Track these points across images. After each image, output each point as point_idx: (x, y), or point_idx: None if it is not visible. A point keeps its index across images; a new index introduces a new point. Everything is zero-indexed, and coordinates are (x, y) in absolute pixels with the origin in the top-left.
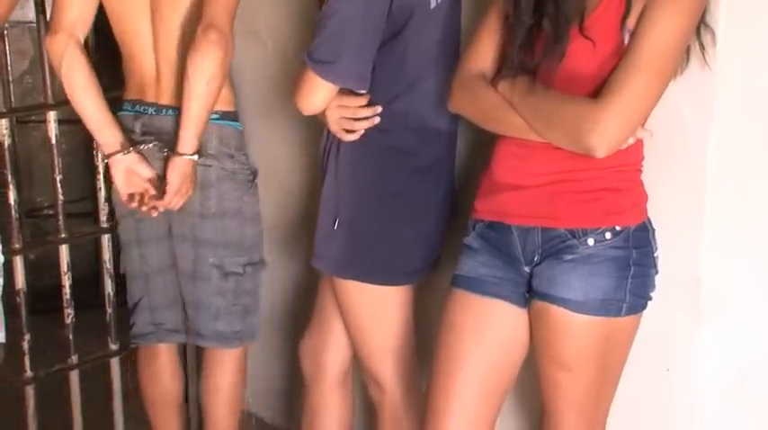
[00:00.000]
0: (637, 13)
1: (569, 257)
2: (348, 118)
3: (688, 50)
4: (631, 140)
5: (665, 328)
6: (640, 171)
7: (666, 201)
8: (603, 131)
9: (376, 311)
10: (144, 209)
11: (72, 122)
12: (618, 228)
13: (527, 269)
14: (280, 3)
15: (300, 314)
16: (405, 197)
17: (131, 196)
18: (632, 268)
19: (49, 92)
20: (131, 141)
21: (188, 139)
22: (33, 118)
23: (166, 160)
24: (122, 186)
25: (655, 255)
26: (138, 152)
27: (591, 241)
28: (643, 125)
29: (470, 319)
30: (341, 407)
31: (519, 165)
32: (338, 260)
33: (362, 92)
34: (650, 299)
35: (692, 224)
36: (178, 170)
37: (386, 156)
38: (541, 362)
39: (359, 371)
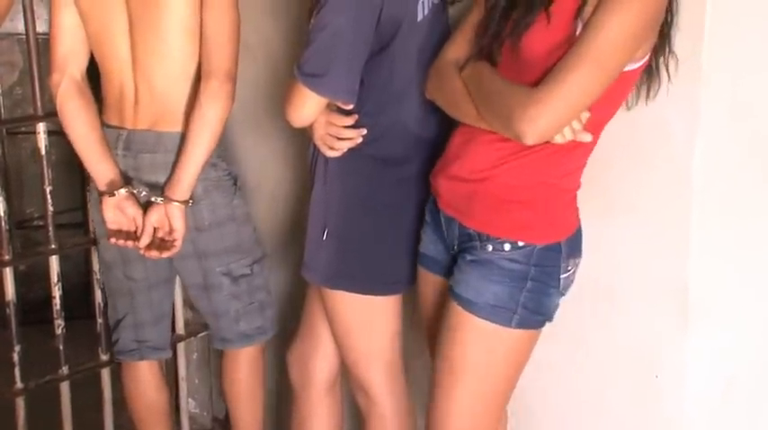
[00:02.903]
0: (593, 5)
1: (470, 258)
2: (332, 135)
3: (666, 66)
4: (568, 135)
5: (653, 335)
6: (571, 191)
7: (653, 208)
8: (532, 118)
9: (364, 320)
10: (145, 252)
11: (62, 134)
12: (521, 243)
13: (451, 253)
14: (269, 15)
15: (289, 322)
16: (393, 206)
17: (117, 232)
18: (528, 282)
19: (39, 103)
20: (124, 178)
21: (185, 186)
22: (23, 129)
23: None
24: (110, 222)
25: (562, 276)
26: (129, 191)
27: (489, 247)
28: (599, 131)
29: (429, 298)
30: (329, 415)
31: (459, 153)
32: (327, 271)
33: (350, 106)
34: (549, 319)
35: (679, 231)
36: (181, 215)
37: (373, 167)
38: (434, 361)
39: (347, 378)
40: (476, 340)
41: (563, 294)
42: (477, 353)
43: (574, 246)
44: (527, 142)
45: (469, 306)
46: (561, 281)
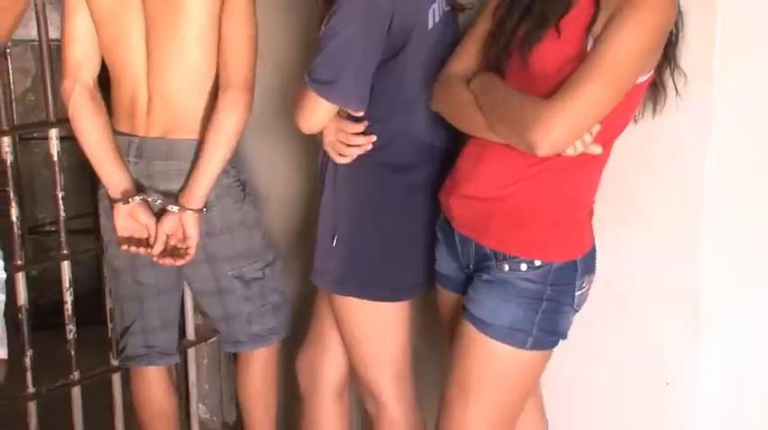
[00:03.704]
0: (604, 20)
1: (486, 277)
2: (342, 142)
3: (673, 80)
4: (579, 148)
5: (664, 342)
6: (587, 206)
7: (664, 215)
8: (545, 129)
9: (374, 326)
10: (156, 259)
11: (73, 139)
12: (537, 262)
13: (466, 272)
14: (280, 21)
15: (298, 327)
16: (402, 213)
17: (128, 239)
18: (544, 303)
19: (51, 109)
20: (136, 186)
21: (200, 194)
22: (35, 135)
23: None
24: (121, 229)
25: (576, 293)
26: (143, 199)
27: (506, 267)
28: (610, 144)
29: (446, 314)
30: (338, 421)
31: (471, 172)
32: (337, 277)
33: (360, 113)
34: (563, 337)
35: (690, 239)
36: (195, 223)
37: (383, 173)
38: (447, 376)
39: (356, 384)
40: (489, 361)
41: (577, 311)
42: (491, 373)
43: (589, 263)
44: (539, 153)
45: (484, 327)
46: (576, 298)
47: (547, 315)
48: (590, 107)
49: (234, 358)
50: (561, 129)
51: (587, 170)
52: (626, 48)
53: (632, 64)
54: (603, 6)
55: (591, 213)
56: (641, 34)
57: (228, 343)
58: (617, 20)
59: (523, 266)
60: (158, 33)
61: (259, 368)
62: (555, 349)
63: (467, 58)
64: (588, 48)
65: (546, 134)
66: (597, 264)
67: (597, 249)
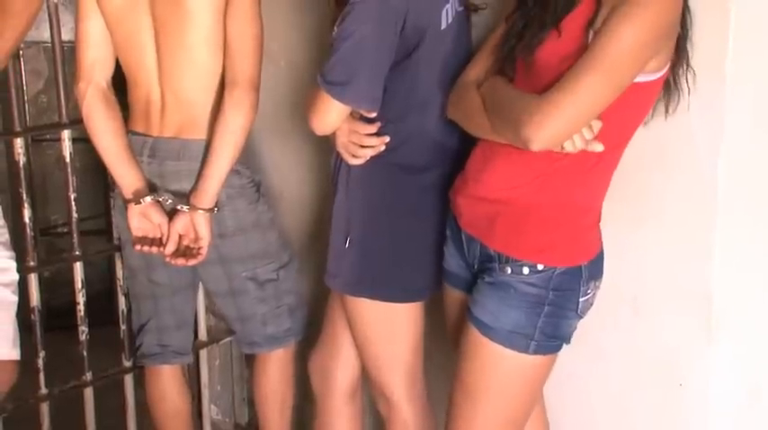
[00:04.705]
0: (604, 15)
1: (489, 279)
2: (355, 143)
3: (686, 79)
4: (578, 144)
5: (677, 343)
6: (595, 211)
7: (678, 215)
8: (539, 124)
9: (386, 328)
10: (168, 259)
11: (86, 141)
12: (540, 266)
13: (471, 271)
14: (293, 21)
15: (310, 328)
16: (415, 214)
17: (142, 239)
18: (546, 307)
19: (64, 111)
20: (149, 186)
21: (210, 194)
22: (48, 137)
23: (174, 210)
24: (135, 229)
25: (581, 299)
26: (154, 199)
27: (508, 270)
28: (619, 147)
29: (452, 313)
30: (351, 422)
31: (479, 172)
32: (349, 278)
33: (373, 114)
34: (566, 342)
35: (703, 240)
36: (206, 223)
37: (396, 174)
38: (453, 379)
39: (368, 385)
40: (492, 365)
41: (581, 317)
42: (494, 378)
43: (595, 268)
44: (533, 148)
45: (486, 330)
46: (580, 304)
47: (549, 319)
48: (583, 103)
49: (247, 359)
50: (554, 124)
51: (595, 174)
52: (622, 44)
53: (628, 60)
54: (605, 2)
55: (598, 218)
56: (639, 30)
57: (244, 344)
58: (616, 15)
59: (525, 270)
60: (167, 35)
61: (276, 369)
62: (568, 350)
63: (480, 64)
64: (589, 42)
65: (539, 129)
66: (609, 265)
67: (610, 249)
